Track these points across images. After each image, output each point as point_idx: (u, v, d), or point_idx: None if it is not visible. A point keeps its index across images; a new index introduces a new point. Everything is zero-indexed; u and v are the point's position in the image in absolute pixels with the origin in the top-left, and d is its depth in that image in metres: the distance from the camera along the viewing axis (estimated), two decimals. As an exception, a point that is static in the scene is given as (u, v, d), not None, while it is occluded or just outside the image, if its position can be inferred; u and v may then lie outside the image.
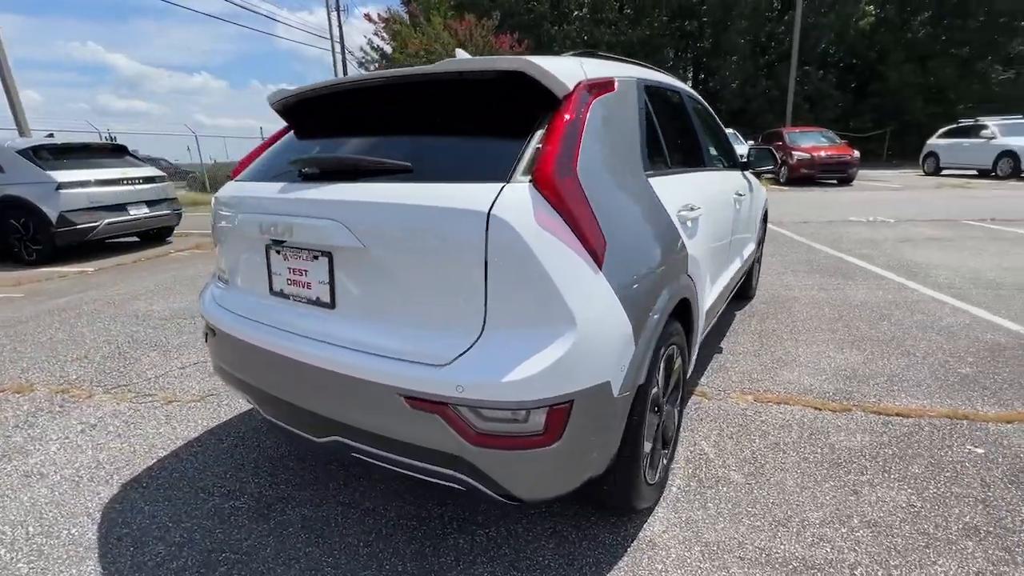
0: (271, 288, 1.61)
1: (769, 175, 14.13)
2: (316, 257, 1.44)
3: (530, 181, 1.24)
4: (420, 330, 1.29)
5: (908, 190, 12.25)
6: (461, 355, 1.22)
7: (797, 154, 13.66)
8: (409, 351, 1.28)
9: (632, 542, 1.63)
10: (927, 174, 16.22)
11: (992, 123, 14.49)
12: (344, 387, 1.37)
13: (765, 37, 25.62)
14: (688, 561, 1.54)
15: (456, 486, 1.34)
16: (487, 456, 1.23)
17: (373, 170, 1.40)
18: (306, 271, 1.48)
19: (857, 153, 13.81)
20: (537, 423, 1.20)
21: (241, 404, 2.59)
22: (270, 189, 1.56)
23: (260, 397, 1.67)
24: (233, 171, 1.99)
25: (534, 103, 1.38)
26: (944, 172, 15.87)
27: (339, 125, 1.75)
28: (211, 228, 1.92)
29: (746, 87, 25.10)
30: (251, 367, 1.66)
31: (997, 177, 13.81)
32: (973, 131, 14.91)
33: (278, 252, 1.55)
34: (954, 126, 15.94)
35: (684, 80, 24.43)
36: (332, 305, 1.44)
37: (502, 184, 1.23)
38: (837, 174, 13.67)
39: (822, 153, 13.52)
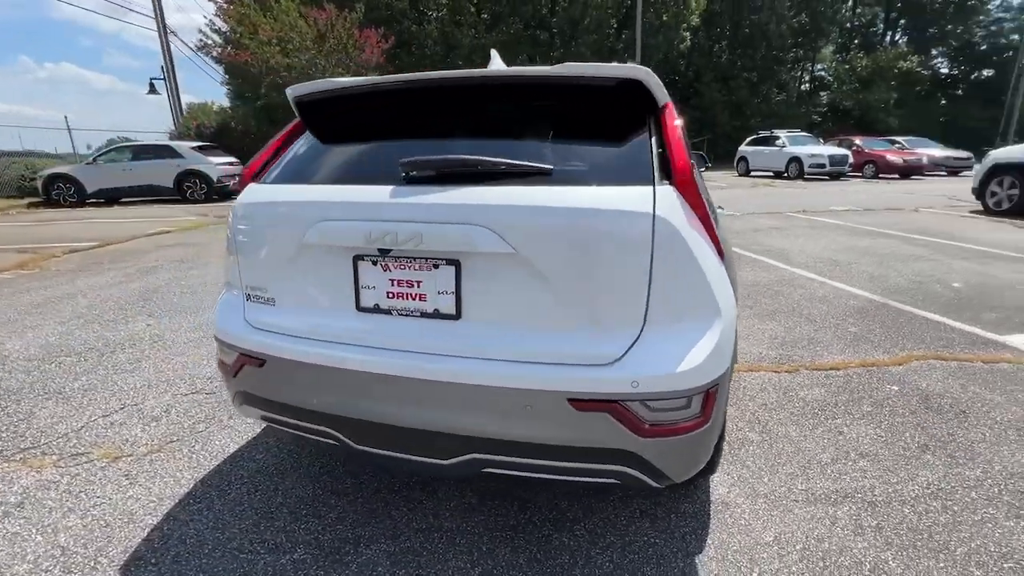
0: (358, 304, 1.44)
1: None
2: (436, 266, 1.34)
3: (670, 183, 1.33)
4: (576, 332, 1.29)
5: (733, 188, 14.77)
6: (628, 352, 1.27)
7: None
8: (567, 354, 1.28)
9: (710, 506, 1.82)
10: (740, 175, 19.71)
11: (782, 135, 18.24)
12: (488, 399, 1.31)
13: (607, 52, 28.47)
14: (760, 511, 1.78)
15: (612, 480, 1.37)
16: (653, 446, 1.29)
17: (505, 173, 1.35)
18: (419, 282, 1.37)
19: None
20: (696, 408, 1.30)
21: (222, 446, 2.20)
22: (366, 193, 1.40)
23: (353, 428, 1.48)
24: (248, 172, 1.70)
25: (640, 109, 1.47)
26: (752, 173, 19.49)
27: (421, 125, 1.62)
28: (235, 238, 1.62)
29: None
30: (338, 395, 1.46)
31: (788, 177, 17.38)
32: (770, 140, 18.58)
33: (374, 263, 1.40)
34: (755, 136, 19.70)
35: None
36: (457, 316, 1.36)
37: (651, 186, 1.30)
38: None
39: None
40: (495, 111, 1.58)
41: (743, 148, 19.79)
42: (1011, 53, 33.25)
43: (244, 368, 1.58)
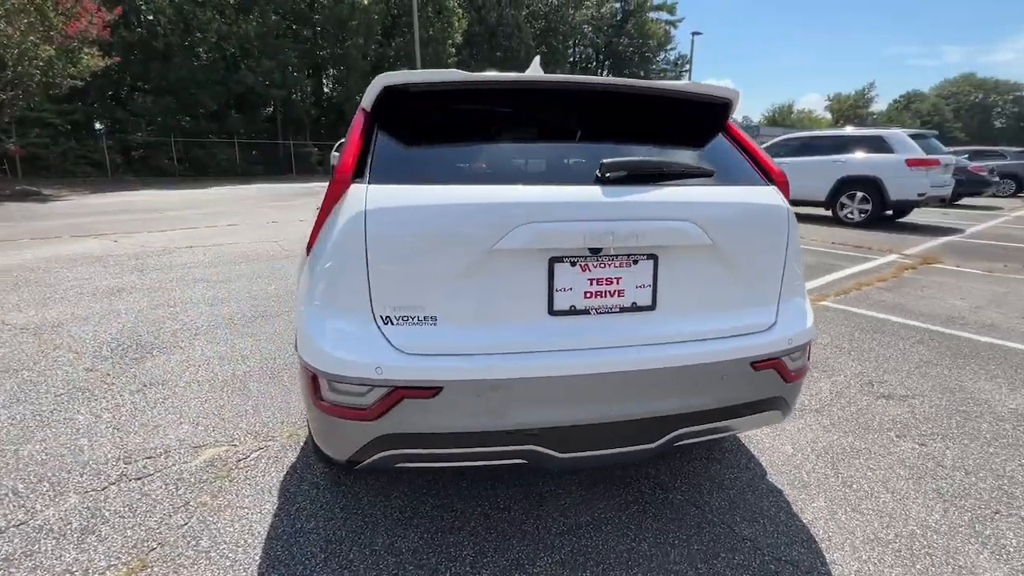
0: (551, 308, 1.39)
1: None
2: (636, 261, 1.42)
3: (771, 182, 1.70)
4: (747, 306, 1.55)
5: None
6: (777, 319, 1.59)
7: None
8: (743, 326, 1.53)
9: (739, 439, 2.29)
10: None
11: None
12: (689, 378, 1.46)
13: (376, 57, 28.20)
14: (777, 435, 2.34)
15: (761, 426, 1.67)
16: (791, 389, 1.65)
17: (677, 174, 1.50)
18: (619, 278, 1.42)
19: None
20: (807, 355, 1.71)
21: (268, 478, 1.67)
22: (572, 194, 1.35)
23: (559, 437, 1.40)
24: (347, 171, 1.41)
25: (724, 122, 1.79)
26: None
27: (545, 126, 1.58)
28: (368, 251, 1.33)
29: (371, 101, 27.15)
30: (539, 407, 1.37)
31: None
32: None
33: (573, 264, 1.38)
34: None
35: (302, 85, 23.52)
36: (653, 306, 1.45)
37: (772, 186, 1.64)
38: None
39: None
40: (614, 116, 1.69)
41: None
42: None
43: (401, 404, 1.33)
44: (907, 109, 69.51)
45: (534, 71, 2.56)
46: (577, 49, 45.75)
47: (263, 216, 9.54)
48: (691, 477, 2.02)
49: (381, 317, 1.37)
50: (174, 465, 2.03)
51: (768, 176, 1.69)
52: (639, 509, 1.83)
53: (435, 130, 1.57)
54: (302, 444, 2.21)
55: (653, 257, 1.43)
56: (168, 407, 2.48)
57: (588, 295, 1.41)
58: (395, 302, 1.36)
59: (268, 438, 2.25)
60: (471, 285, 1.36)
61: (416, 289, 1.36)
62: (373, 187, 1.38)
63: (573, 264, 1.39)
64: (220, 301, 4.21)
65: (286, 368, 2.96)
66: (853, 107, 69.35)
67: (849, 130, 10.25)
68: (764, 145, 9.94)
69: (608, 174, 1.43)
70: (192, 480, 1.94)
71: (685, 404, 1.49)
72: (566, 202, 1.37)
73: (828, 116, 70.76)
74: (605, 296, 1.42)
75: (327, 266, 1.38)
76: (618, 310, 1.44)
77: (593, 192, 1.40)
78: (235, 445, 2.19)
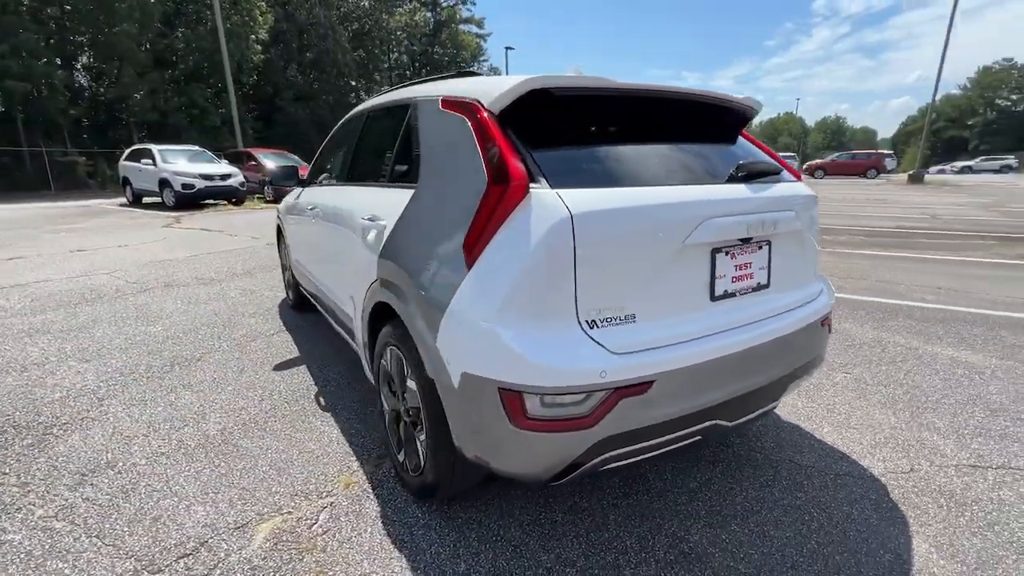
0: (712, 294, 1.54)
1: (261, 194, 14.43)
2: (760, 247, 1.65)
3: (797, 177, 2.11)
4: (808, 279, 1.92)
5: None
6: (820, 289, 1.99)
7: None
8: (810, 293, 1.90)
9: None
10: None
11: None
12: (800, 339, 1.75)
13: (159, 49, 23.75)
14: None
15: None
16: (827, 342, 2.08)
17: (773, 171, 1.77)
18: (750, 263, 1.63)
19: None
20: None
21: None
22: (731, 191, 1.51)
23: (730, 409, 1.54)
24: (520, 176, 1.35)
25: (744, 126, 2.13)
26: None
27: (653, 130, 1.69)
28: (577, 255, 1.29)
29: (158, 100, 22.76)
30: (719, 385, 1.50)
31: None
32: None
33: (727, 253, 1.55)
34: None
35: (53, 74, 18.88)
36: (768, 285, 1.71)
37: (799, 180, 2.04)
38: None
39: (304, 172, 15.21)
40: (700, 121, 1.89)
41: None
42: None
43: (619, 404, 1.34)
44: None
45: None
46: (393, 55, 45.22)
47: (55, 245, 7.38)
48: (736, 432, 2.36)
49: (587, 322, 1.35)
50: (229, 556, 1.60)
51: (791, 172, 2.11)
52: (723, 467, 2.09)
53: (576, 133, 1.57)
54: (369, 487, 1.93)
55: (768, 243, 1.69)
56: (148, 493, 1.90)
57: (734, 280, 1.60)
58: (599, 304, 1.35)
59: (325, 494, 1.91)
60: (660, 280, 1.43)
61: (617, 289, 1.37)
62: (565, 192, 1.35)
63: (727, 253, 1.56)
64: (94, 354, 3.24)
65: (273, 415, 2.48)
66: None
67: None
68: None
69: (741, 173, 1.64)
70: (271, 566, 1.57)
71: (795, 362, 1.78)
72: (730, 199, 1.54)
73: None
74: (743, 280, 1.63)
75: (526, 275, 1.30)
76: (750, 291, 1.66)
77: (739, 189, 1.59)
78: (290, 512, 1.81)
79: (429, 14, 42.75)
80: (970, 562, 1.59)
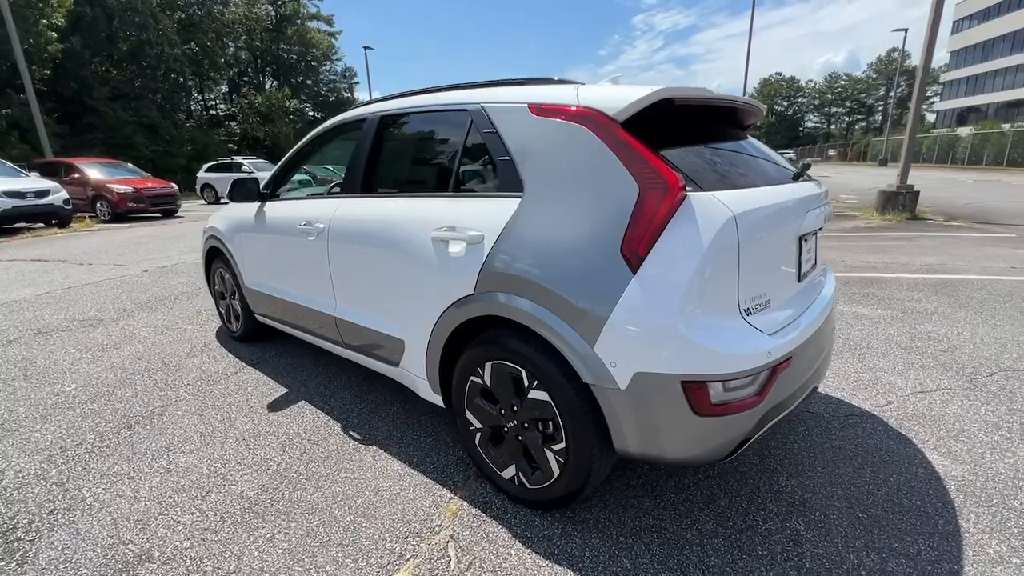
0: (800, 276, 1.80)
1: (85, 213, 12.08)
2: (815, 234, 1.96)
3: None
4: (821, 260, 2.29)
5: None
6: (825, 266, 2.40)
7: (117, 188, 12.30)
8: (825, 270, 2.27)
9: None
10: (209, 203, 18.55)
11: (246, 161, 18.51)
12: (833, 311, 2.10)
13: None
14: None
15: None
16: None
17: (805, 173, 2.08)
18: (812, 248, 1.93)
19: (175, 185, 14.06)
20: None
21: None
22: (805, 188, 1.75)
23: (815, 377, 1.80)
24: (677, 180, 1.45)
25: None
26: (223, 200, 18.85)
27: (725, 135, 1.88)
28: (741, 251, 1.42)
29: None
30: (813, 359, 1.75)
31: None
32: (234, 167, 18.44)
33: (805, 240, 1.82)
34: (215, 163, 18.98)
35: None
36: (815, 266, 2.03)
37: (800, 177, 2.43)
38: (165, 206, 13.47)
39: (149, 185, 12.90)
40: (743, 126, 2.13)
41: (204, 175, 18.62)
42: (349, 107, 46.01)
43: (777, 379, 1.51)
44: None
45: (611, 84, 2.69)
46: (229, 50, 40.45)
47: None
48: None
49: (744, 310, 1.49)
50: (382, 615, 1.43)
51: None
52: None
53: (686, 139, 1.69)
54: (478, 511, 1.84)
55: (815, 234, 2.00)
56: None
57: (806, 262, 1.87)
58: (750, 293, 1.51)
59: (437, 528, 1.78)
60: (779, 266, 1.64)
61: (760, 278, 1.54)
62: (720, 194, 1.46)
63: (806, 241, 1.82)
64: (4, 432, 2.50)
65: (311, 459, 2.19)
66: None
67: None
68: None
69: (799, 174, 1.92)
70: (436, 612, 1.44)
71: (834, 328, 2.13)
72: (809, 195, 1.80)
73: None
74: (809, 263, 1.91)
75: (700, 272, 1.39)
76: (810, 272, 1.95)
77: (809, 187, 1.87)
78: (414, 555, 1.65)
79: (270, 7, 39.10)
80: (966, 459, 2.09)
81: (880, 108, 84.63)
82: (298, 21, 40.42)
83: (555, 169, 1.67)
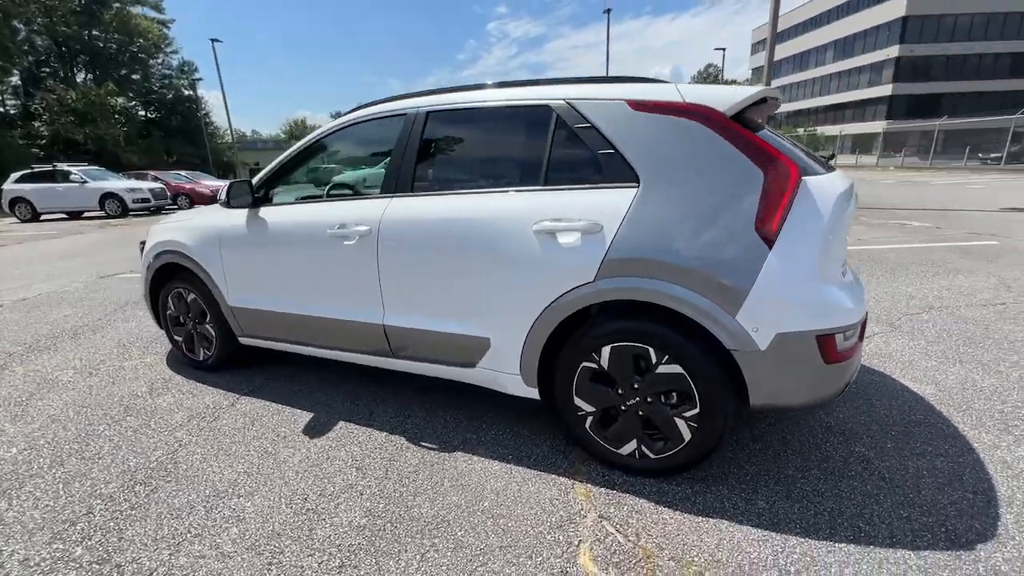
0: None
1: None
2: (831, 212, 2.37)
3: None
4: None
5: (80, 235, 11.68)
6: None
7: None
8: None
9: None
10: (24, 220, 15.05)
11: (75, 169, 15.35)
12: None
13: None
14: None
15: None
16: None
17: None
18: (834, 224, 2.34)
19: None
20: None
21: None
22: (844, 179, 2.11)
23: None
24: (795, 167, 1.71)
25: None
26: (44, 216, 15.43)
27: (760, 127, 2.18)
28: (834, 222, 1.71)
29: None
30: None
31: (110, 216, 15.17)
32: (57, 176, 15.19)
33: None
34: (30, 171, 15.45)
35: None
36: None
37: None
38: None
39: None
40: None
41: (15, 186, 15.02)
42: (191, 105, 40.56)
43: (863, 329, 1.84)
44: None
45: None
46: (20, 34, 32.96)
47: None
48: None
49: (841, 273, 1.80)
50: (595, 598, 1.45)
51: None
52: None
53: (759, 131, 1.93)
54: (608, 489, 1.92)
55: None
56: (404, 603, 1.45)
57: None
58: (840, 261, 1.82)
59: (578, 513, 1.81)
60: (840, 245, 1.96)
61: (842, 250, 1.85)
62: (819, 178, 1.74)
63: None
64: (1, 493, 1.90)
65: (402, 476, 2.05)
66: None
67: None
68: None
69: (830, 166, 2.30)
70: (640, 582, 1.50)
71: None
72: (850, 184, 2.16)
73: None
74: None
75: (825, 242, 1.66)
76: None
77: (843, 177, 2.24)
78: (575, 540, 1.68)
79: (74, -15, 32.71)
80: (927, 381, 2.70)
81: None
82: (116, 5, 34.46)
83: (671, 159, 1.81)
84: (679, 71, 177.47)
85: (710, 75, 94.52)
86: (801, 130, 43.63)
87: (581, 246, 1.88)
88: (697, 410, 1.83)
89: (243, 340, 3.01)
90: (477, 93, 2.27)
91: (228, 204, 2.76)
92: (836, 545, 1.62)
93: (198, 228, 2.96)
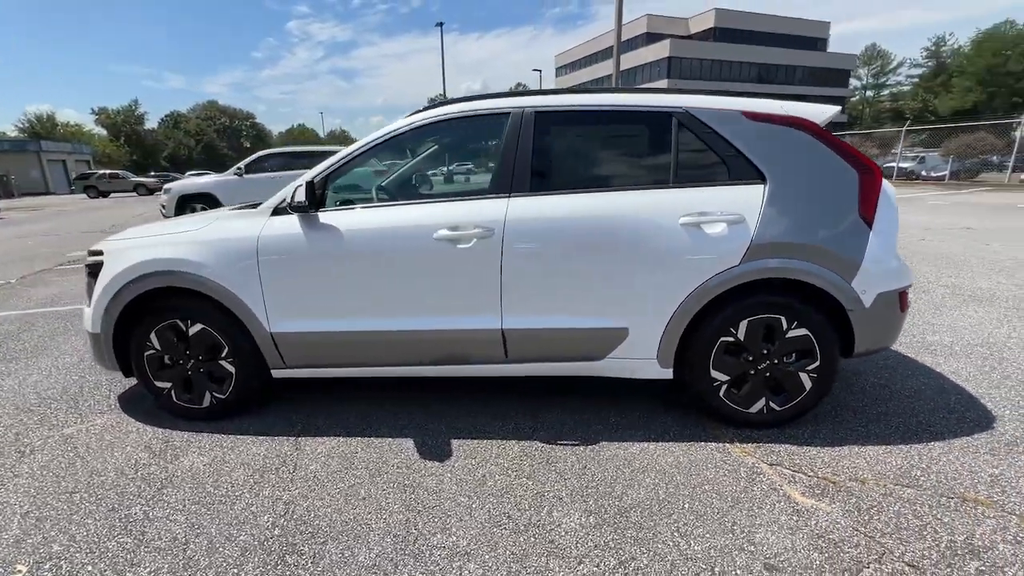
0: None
1: None
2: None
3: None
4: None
5: None
6: None
7: None
8: None
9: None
10: None
11: None
12: None
13: None
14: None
15: None
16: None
17: None
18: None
19: None
20: None
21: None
22: None
23: None
24: (877, 167, 2.26)
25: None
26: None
27: None
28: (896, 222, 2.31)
29: None
30: None
31: None
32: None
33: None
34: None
35: None
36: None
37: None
38: None
39: None
40: None
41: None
42: None
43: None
44: (176, 128, 74.81)
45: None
46: None
47: None
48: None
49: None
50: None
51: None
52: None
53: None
54: (759, 445, 2.23)
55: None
56: (711, 572, 1.54)
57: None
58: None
59: (756, 469, 2.08)
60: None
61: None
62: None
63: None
64: None
65: (565, 481, 2.04)
66: (126, 122, 67.16)
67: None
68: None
69: None
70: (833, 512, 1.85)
71: None
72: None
73: (103, 131, 65.26)
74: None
75: (895, 225, 2.22)
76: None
77: None
78: (781, 486, 1.95)
79: None
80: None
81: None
82: None
83: (788, 160, 2.21)
84: (488, 86, 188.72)
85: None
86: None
87: (728, 235, 2.16)
88: (817, 363, 2.26)
89: (279, 373, 2.52)
90: (585, 97, 2.37)
91: (289, 208, 2.31)
92: (913, 438, 2.21)
93: (217, 241, 2.38)
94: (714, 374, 2.31)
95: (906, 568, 1.55)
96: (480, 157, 2.65)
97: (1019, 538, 1.65)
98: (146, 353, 2.52)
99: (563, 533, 1.74)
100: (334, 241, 2.32)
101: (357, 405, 2.70)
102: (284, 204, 2.39)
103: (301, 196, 2.25)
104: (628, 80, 57.87)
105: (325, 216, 2.35)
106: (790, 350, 2.26)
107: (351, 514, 1.86)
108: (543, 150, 2.35)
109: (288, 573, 1.59)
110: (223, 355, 2.49)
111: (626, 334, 2.29)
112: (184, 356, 2.51)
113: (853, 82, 63.28)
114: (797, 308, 2.20)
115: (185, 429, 2.50)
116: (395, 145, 2.49)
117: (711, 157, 2.26)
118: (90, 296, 2.53)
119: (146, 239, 2.50)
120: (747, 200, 2.19)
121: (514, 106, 2.37)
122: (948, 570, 1.53)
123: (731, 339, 2.26)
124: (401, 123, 2.45)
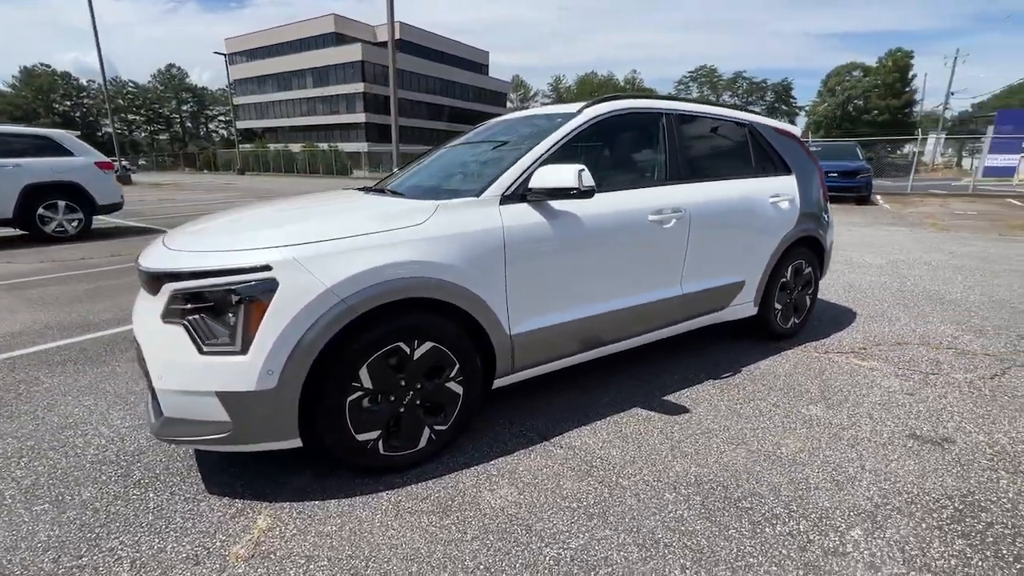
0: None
1: None
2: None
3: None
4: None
5: None
6: None
7: None
8: None
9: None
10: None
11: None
12: None
13: None
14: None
15: None
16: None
17: None
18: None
19: None
20: None
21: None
22: None
23: None
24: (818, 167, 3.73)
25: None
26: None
27: None
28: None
29: None
30: None
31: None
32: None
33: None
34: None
35: None
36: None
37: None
38: None
39: None
40: None
41: None
42: None
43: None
44: None
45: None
46: None
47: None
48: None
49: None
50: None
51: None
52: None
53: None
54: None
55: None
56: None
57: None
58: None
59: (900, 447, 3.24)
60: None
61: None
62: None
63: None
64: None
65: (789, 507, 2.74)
66: None
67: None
68: None
69: None
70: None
71: None
72: None
73: None
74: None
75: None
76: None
77: None
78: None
79: None
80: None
81: (178, 120, 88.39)
82: None
83: (797, 160, 3.42)
84: (111, 63, 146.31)
85: (174, 76, 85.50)
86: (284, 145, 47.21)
87: (789, 208, 3.22)
88: (812, 288, 3.59)
89: (502, 381, 2.25)
90: (702, 106, 3.03)
91: (576, 193, 2.08)
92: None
93: (448, 237, 1.95)
94: (776, 305, 3.36)
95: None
96: (634, 148, 2.94)
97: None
98: (349, 398, 1.83)
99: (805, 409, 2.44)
100: (576, 228, 2.28)
101: (568, 394, 2.64)
102: (516, 191, 2.16)
103: (571, 181, 2.10)
104: (321, 80, 55.55)
105: (558, 203, 2.26)
106: (805, 281, 3.52)
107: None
108: (685, 147, 2.87)
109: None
110: (452, 375, 2.05)
111: (743, 285, 3.09)
112: (399, 389, 1.95)
113: (508, 104, 77.95)
114: (811, 253, 3.46)
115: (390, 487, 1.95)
116: (587, 135, 2.54)
117: (767, 156, 3.27)
118: (238, 337, 1.66)
119: (346, 241, 1.80)
120: (791, 186, 3.29)
121: (663, 108, 2.80)
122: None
123: (785, 279, 3.35)
124: (587, 114, 2.52)
